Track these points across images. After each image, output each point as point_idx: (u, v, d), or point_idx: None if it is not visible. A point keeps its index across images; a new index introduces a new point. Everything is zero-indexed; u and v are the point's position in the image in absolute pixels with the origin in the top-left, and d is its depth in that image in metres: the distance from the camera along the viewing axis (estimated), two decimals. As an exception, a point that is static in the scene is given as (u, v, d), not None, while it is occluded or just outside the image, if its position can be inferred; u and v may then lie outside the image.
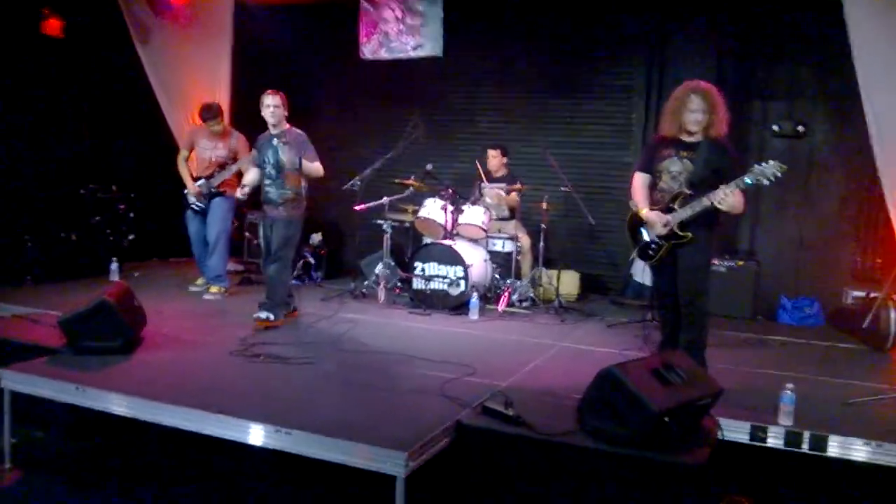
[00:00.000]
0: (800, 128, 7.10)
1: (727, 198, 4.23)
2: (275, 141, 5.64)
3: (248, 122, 7.44)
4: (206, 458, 3.88)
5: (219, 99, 7.94)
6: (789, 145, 7.20)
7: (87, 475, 4.13)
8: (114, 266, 7.05)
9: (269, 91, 5.67)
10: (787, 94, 7.22)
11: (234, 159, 6.68)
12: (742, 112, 7.34)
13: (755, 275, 6.92)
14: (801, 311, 6.71)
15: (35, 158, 7.69)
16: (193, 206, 6.76)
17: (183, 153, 6.87)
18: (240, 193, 5.92)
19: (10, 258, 7.02)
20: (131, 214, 8.09)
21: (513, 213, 7.41)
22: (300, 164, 5.63)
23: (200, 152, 6.78)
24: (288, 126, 5.76)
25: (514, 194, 7.28)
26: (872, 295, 5.94)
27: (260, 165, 5.76)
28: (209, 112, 6.64)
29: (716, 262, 6.85)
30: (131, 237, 8.09)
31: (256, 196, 6.72)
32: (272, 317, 5.63)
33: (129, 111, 8.46)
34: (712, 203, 4.25)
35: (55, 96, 7.93)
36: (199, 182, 6.70)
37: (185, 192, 6.79)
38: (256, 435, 3.47)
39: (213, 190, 6.68)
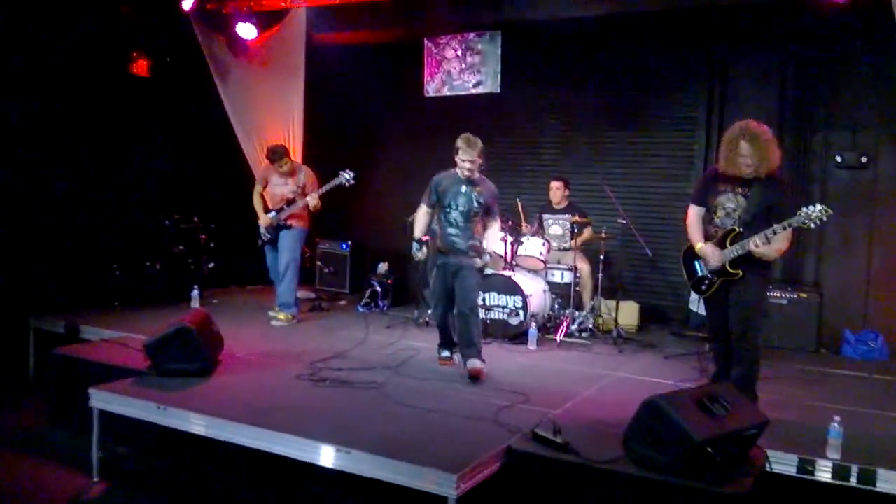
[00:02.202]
0: (863, 158, 6.99)
1: (760, 248, 4.34)
2: (465, 188, 5.38)
3: (321, 157, 7.85)
4: (269, 474, 4.15)
5: (293, 134, 8.40)
6: (853, 176, 7.12)
7: (168, 490, 4.47)
8: (195, 293, 7.39)
9: (466, 138, 5.40)
10: (849, 125, 7.10)
11: (304, 194, 7.05)
12: (804, 143, 7.32)
13: (818, 307, 6.83)
14: (864, 345, 6.56)
15: (122, 191, 8.22)
16: (263, 236, 7.19)
17: (257, 188, 7.30)
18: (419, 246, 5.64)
19: (100, 285, 7.49)
20: (212, 244, 8.46)
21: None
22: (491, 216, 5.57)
23: (272, 188, 7.22)
24: (481, 175, 5.54)
25: (589, 230, 7.38)
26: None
27: (445, 206, 5.46)
28: (274, 154, 7.04)
29: (778, 294, 6.83)
30: (212, 265, 8.43)
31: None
32: (481, 364, 5.32)
33: (211, 146, 8.91)
34: (749, 250, 4.37)
35: (142, 132, 8.46)
36: (271, 214, 7.11)
37: (258, 223, 7.22)
38: (319, 454, 3.71)
39: (280, 223, 7.08)
